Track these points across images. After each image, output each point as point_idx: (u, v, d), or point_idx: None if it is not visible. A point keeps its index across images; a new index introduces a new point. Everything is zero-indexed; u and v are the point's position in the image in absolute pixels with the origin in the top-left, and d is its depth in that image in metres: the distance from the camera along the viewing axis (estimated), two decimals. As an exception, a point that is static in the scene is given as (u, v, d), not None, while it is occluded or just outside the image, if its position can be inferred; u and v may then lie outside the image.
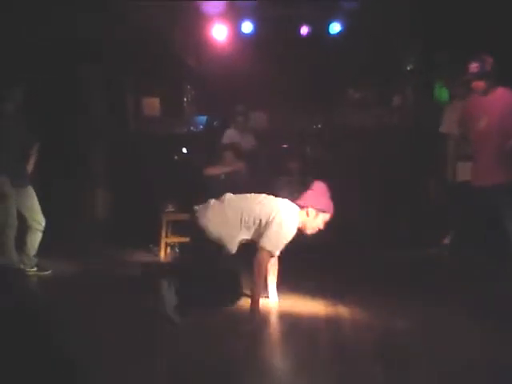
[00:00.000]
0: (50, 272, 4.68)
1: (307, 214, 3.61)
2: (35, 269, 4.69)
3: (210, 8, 6.25)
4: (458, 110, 4.57)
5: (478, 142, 4.25)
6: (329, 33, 6.75)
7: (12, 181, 4.54)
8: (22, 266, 4.67)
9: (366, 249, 5.59)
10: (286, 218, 3.52)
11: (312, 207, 3.61)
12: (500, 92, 4.13)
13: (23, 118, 4.67)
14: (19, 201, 4.61)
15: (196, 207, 3.63)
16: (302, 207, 3.63)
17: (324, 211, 3.64)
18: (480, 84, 4.14)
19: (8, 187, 4.52)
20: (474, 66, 4.13)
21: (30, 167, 4.76)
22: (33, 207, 4.66)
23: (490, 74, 4.09)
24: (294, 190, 5.83)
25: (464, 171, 4.56)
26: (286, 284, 4.09)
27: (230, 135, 6.04)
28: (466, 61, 4.23)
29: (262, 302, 3.57)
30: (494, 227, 4.20)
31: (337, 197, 3.72)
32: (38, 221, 4.67)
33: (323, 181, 3.79)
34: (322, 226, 3.66)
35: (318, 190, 3.69)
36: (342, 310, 3.63)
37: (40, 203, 4.72)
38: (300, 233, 3.63)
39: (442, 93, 6.87)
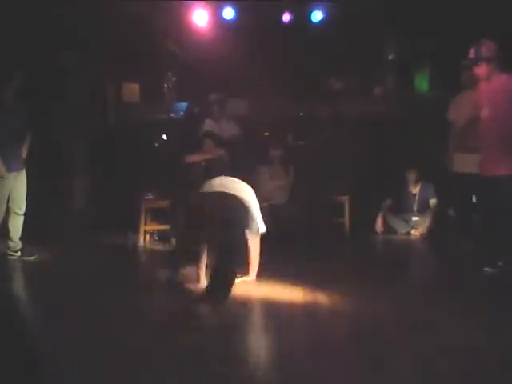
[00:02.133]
0: (34, 257, 4.69)
1: None
2: (19, 253, 4.70)
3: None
4: (466, 101, 4.48)
5: (482, 131, 4.14)
6: (311, 21, 6.72)
7: (11, 165, 4.56)
8: (6, 251, 4.67)
9: (347, 236, 5.64)
10: None
11: None
12: (503, 79, 4.00)
13: (22, 106, 4.70)
14: (15, 184, 4.64)
15: None
16: None
17: None
18: (479, 70, 4.02)
19: (5, 173, 4.54)
20: (471, 52, 4.04)
21: (24, 153, 4.75)
22: (23, 192, 4.71)
23: (489, 59, 3.94)
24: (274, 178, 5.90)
25: (461, 162, 4.54)
26: (267, 270, 4.11)
27: (209, 124, 6.03)
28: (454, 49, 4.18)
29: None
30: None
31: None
32: (20, 206, 4.69)
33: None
34: None
35: None
36: (321, 297, 3.64)
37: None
38: None
39: (422, 83, 6.92)
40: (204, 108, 6.77)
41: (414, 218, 5.75)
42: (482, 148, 4.18)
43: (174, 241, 5.31)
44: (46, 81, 6.00)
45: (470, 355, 2.69)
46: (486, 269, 4.14)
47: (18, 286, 4.21)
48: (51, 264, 4.61)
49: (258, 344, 2.90)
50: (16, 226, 4.70)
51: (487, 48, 3.96)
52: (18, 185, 4.68)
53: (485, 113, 4.08)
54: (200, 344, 2.83)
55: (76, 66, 6.47)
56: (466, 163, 4.44)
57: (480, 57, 3.98)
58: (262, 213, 3.91)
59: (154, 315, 3.34)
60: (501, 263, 4.10)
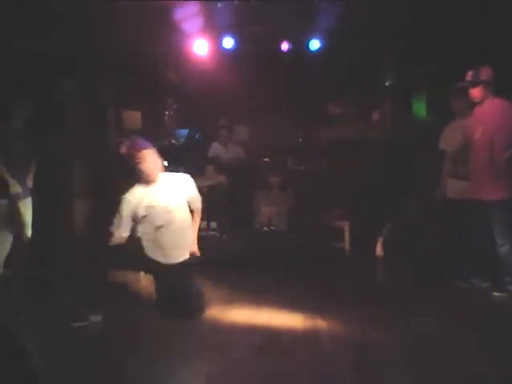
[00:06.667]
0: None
1: None
2: None
3: (191, 24, 6.31)
4: (457, 129, 4.57)
5: (474, 153, 4.23)
6: (309, 49, 6.86)
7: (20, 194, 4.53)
8: None
9: (347, 261, 5.64)
10: None
11: None
12: (496, 102, 4.11)
13: (28, 133, 4.65)
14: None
15: None
16: None
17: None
18: (475, 92, 4.14)
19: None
20: (469, 74, 4.17)
21: (30, 182, 4.71)
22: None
23: (486, 82, 4.08)
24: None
25: (453, 188, 4.60)
26: (267, 296, 4.11)
27: (215, 148, 6.15)
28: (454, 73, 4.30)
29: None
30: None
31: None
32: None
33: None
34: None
35: None
36: (321, 323, 3.63)
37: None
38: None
39: (420, 108, 7.00)
40: (207, 133, 6.89)
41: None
42: (474, 171, 4.24)
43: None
44: (47, 107, 6.08)
45: (472, 381, 2.68)
46: (495, 293, 4.14)
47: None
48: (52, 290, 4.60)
49: (258, 370, 2.89)
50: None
51: (485, 72, 4.10)
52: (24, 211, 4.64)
53: (477, 135, 4.16)
54: (198, 370, 2.83)
55: (77, 92, 6.56)
56: (457, 189, 4.50)
57: (478, 79, 4.11)
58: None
59: (155, 342, 3.35)
60: (510, 287, 4.10)
